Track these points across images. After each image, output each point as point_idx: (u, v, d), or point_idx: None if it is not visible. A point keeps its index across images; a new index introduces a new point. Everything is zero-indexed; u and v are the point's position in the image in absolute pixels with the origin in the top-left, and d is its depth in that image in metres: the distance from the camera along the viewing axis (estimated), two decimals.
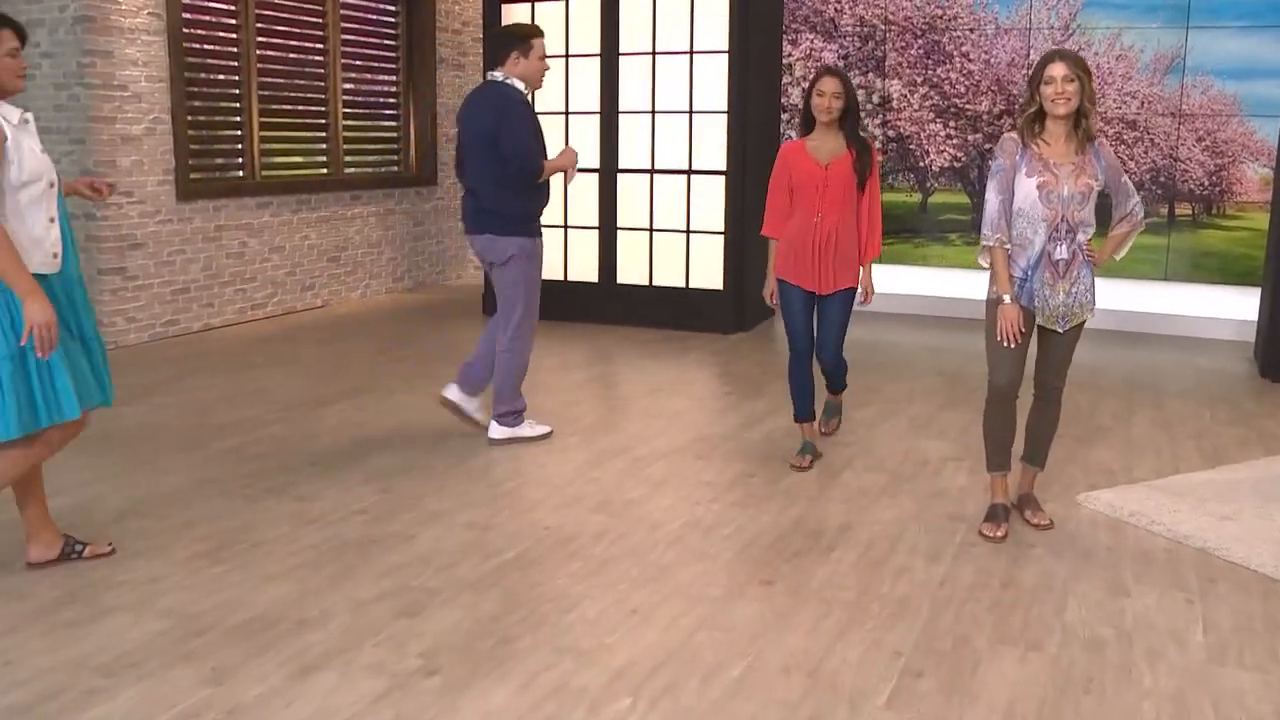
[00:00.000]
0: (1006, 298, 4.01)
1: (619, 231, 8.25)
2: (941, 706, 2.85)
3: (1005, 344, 4.01)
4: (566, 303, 8.28)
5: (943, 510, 4.32)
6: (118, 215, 7.23)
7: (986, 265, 4.17)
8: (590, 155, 8.21)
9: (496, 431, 5.13)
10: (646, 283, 8.21)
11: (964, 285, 8.86)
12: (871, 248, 4.85)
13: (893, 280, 9.04)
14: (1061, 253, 4.00)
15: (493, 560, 3.76)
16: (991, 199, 4.05)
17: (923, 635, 3.25)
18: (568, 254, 8.43)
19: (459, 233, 10.44)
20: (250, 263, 8.22)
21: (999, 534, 4.06)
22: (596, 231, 8.32)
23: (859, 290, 4.85)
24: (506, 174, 4.85)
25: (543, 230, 5.21)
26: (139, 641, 3.14)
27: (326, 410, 5.66)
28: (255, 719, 2.74)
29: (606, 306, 8.29)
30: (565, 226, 8.40)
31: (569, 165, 5.08)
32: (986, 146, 9.09)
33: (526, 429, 5.20)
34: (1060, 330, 4.08)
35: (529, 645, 3.13)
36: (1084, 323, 4.14)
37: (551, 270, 8.54)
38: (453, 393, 5.20)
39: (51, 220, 3.37)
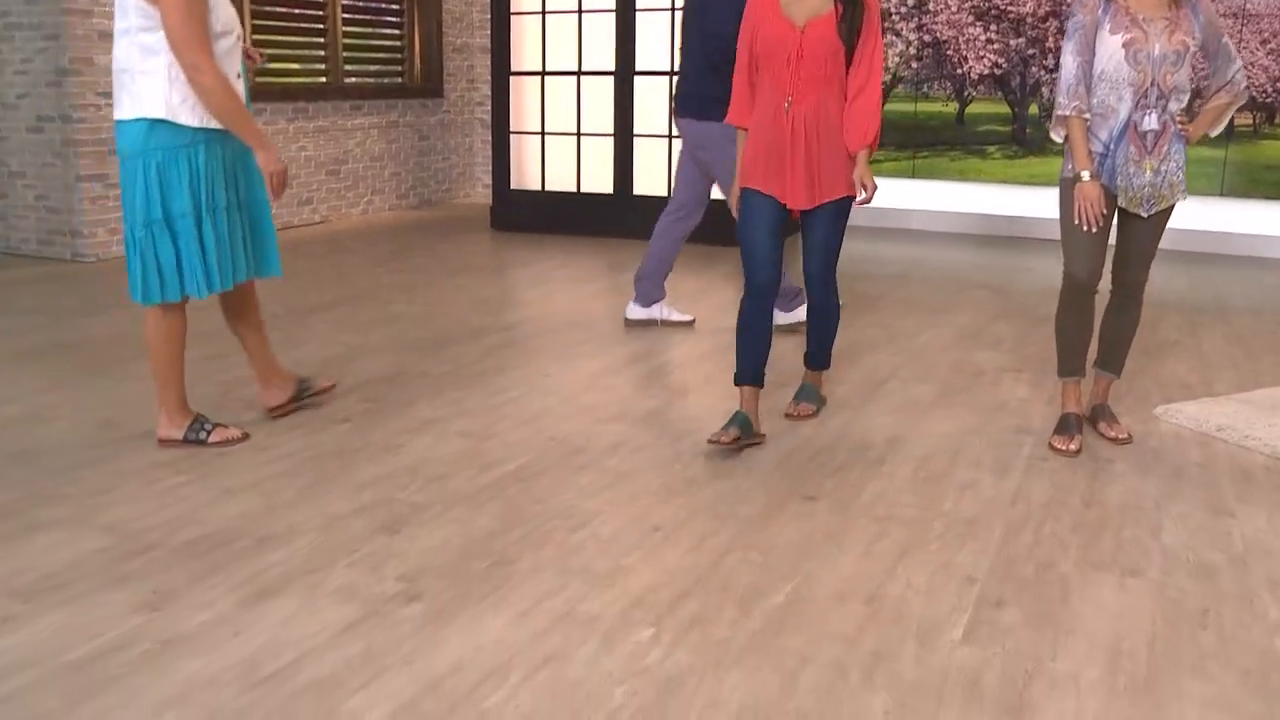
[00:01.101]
0: (1085, 175, 3.44)
1: (635, 139, 7.65)
2: (1031, 641, 2.34)
3: (1085, 228, 3.45)
4: (579, 216, 7.72)
5: (1005, 423, 3.79)
6: (96, 117, 6.68)
7: (1061, 139, 3.60)
8: (605, 56, 7.60)
9: (634, 311, 5.11)
10: (666, 194, 7.63)
11: (1004, 201, 8.25)
12: (862, 130, 3.43)
13: (927, 196, 8.44)
14: (1150, 123, 3.43)
15: (490, 472, 3.25)
16: (1068, 62, 3.46)
17: (998, 559, 2.73)
18: (581, 164, 7.85)
19: (466, 149, 9.86)
20: None
21: (1072, 447, 3.53)
22: (611, 139, 7.72)
23: (855, 190, 3.51)
24: (709, 53, 4.62)
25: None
26: (69, 561, 2.65)
27: (315, 318, 5.15)
28: (194, 651, 2.25)
29: (623, 219, 7.72)
30: (578, 134, 7.81)
31: None
32: (1030, 52, 8.42)
33: (662, 310, 5.10)
34: (1144, 215, 3.51)
35: (530, 567, 2.63)
36: (1172, 208, 3.57)
37: (563, 181, 7.97)
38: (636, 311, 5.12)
39: (238, 76, 3.27)
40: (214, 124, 3.20)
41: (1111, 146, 3.46)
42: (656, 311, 5.09)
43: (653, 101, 7.53)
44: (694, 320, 5.14)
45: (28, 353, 4.50)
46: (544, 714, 2.04)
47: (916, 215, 8.48)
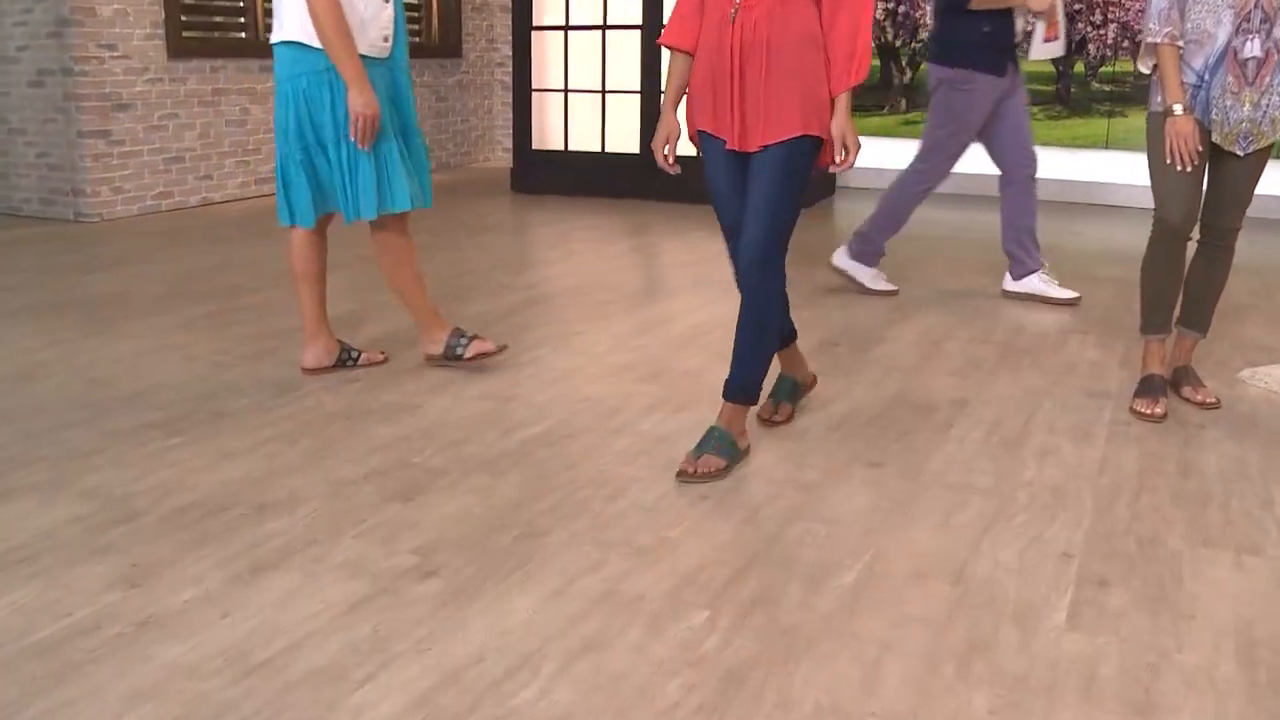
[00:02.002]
0: (1178, 108, 3.07)
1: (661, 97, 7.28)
2: (1148, 628, 2.00)
3: (1179, 167, 3.09)
4: (604, 178, 7.36)
5: (1077, 386, 3.44)
6: (99, 71, 6.36)
7: (1149, 70, 3.23)
8: (632, 9, 7.23)
9: (1008, 284, 4.68)
10: (695, 154, 7.26)
11: (1047, 164, 7.81)
12: (845, 62, 2.57)
13: (965, 159, 8.02)
14: (1252, 50, 3.06)
15: (515, 435, 2.93)
16: None
17: (1094, 533, 2.40)
18: (605, 123, 7.49)
19: (485, 111, 9.51)
20: (254, 132, 7.35)
21: (1158, 410, 3.18)
22: (638, 97, 7.35)
23: (832, 148, 2.62)
24: None
25: (993, 69, 4.35)
26: (40, 530, 2.35)
27: (328, 276, 4.81)
28: (175, 635, 1.94)
29: (649, 182, 7.35)
30: (603, 92, 7.45)
31: (1034, 5, 4.24)
32: (1075, 7, 7.99)
33: (862, 270, 4.64)
34: (1240, 153, 3.15)
35: (563, 540, 2.31)
36: (1271, 147, 3.20)
37: (588, 141, 7.61)
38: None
39: (385, 39, 3.18)
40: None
41: (1206, 76, 3.10)
42: (1034, 284, 4.58)
43: None
44: (1078, 298, 4.56)
45: (21, 310, 4.20)
46: (584, 712, 1.72)
47: (955, 179, 8.06)
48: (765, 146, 2.57)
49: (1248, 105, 3.10)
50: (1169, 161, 3.10)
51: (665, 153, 2.71)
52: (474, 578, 2.14)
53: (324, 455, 2.77)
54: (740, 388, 2.72)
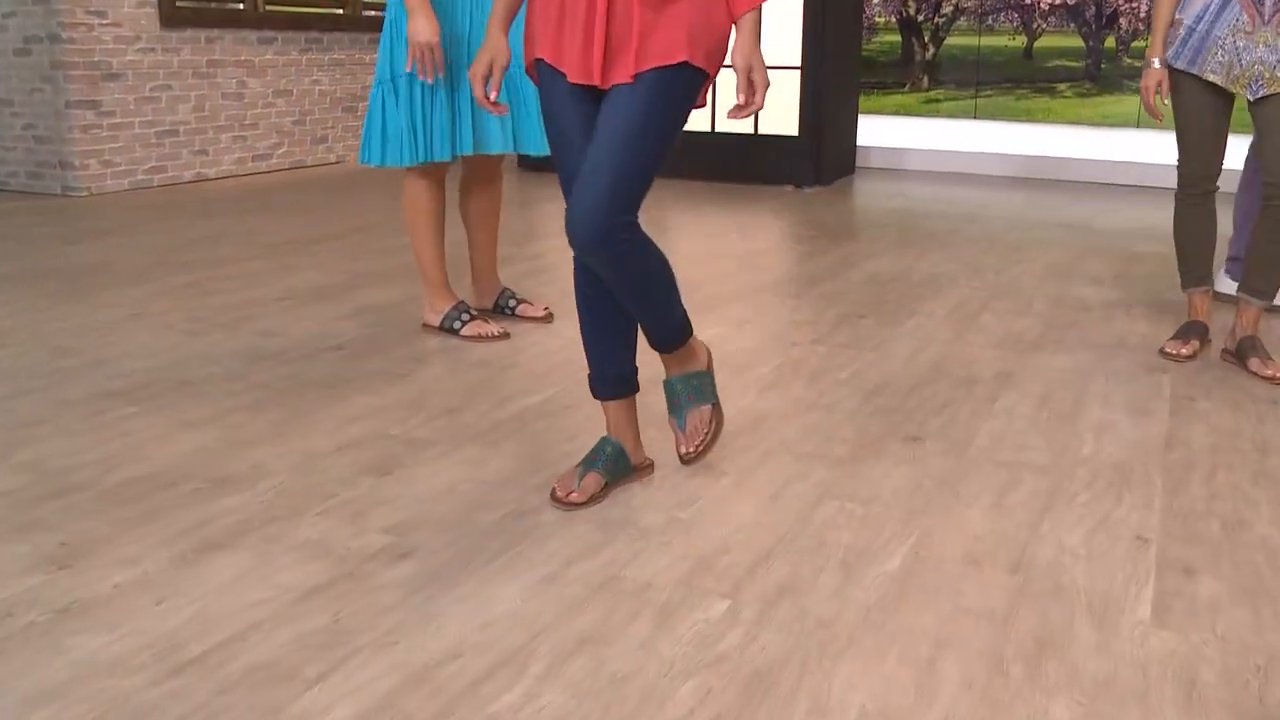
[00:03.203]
0: (1155, 62, 2.90)
1: None
2: (1249, 624, 1.69)
3: (1191, 122, 2.91)
4: None
5: (1130, 360, 3.12)
6: (87, 38, 6.07)
7: None
8: None
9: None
10: (708, 129, 6.95)
11: (1076, 143, 7.50)
12: None
13: (991, 138, 7.70)
14: None
15: (511, 405, 2.63)
16: None
17: (1170, 514, 2.08)
18: None
19: None
20: (251, 106, 7.06)
21: (1183, 350, 3.09)
22: None
23: (737, 94, 1.95)
24: None
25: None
26: None
27: (319, 247, 4.54)
28: (99, 624, 1.64)
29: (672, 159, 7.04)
30: None
31: None
32: None
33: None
34: (1250, 98, 2.89)
35: (558, 519, 2.00)
36: None
37: None
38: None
39: None
40: None
41: (1210, 16, 2.86)
42: None
43: None
44: None
45: None
46: None
47: (978, 159, 7.74)
48: (636, 76, 1.90)
49: (1262, 46, 2.83)
50: (1176, 115, 2.91)
51: (486, 88, 2.05)
52: (454, 561, 1.84)
53: (294, 426, 2.48)
54: (663, 341, 2.12)
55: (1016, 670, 1.54)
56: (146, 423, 2.50)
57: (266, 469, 2.23)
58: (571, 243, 1.93)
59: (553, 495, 2.06)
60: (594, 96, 1.99)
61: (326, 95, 7.62)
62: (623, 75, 1.91)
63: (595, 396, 2.15)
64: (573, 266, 2.00)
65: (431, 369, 2.91)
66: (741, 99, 1.93)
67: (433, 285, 3.23)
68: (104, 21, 6.15)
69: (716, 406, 2.21)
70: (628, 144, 1.88)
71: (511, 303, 3.40)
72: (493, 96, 2.05)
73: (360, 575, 1.78)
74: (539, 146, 3.17)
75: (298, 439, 2.39)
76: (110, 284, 3.85)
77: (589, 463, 2.10)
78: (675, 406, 2.19)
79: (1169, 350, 3.12)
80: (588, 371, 2.14)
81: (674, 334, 2.11)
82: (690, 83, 1.94)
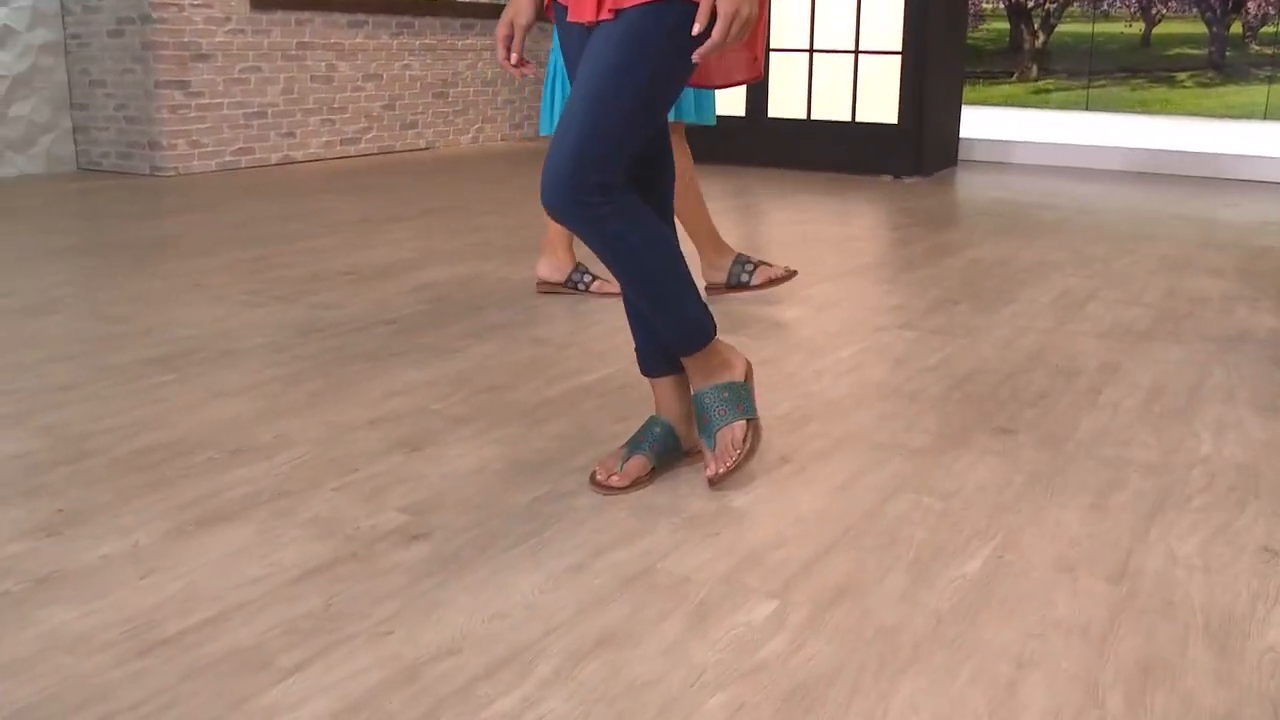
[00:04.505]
0: None
1: (770, 54, 6.72)
2: None
3: None
4: (706, 141, 6.83)
5: (1255, 354, 2.80)
6: (178, 19, 6.08)
7: None
8: None
9: None
10: (804, 116, 6.69)
11: (1197, 136, 7.03)
12: None
13: (1104, 131, 7.27)
14: None
15: (562, 383, 2.43)
16: None
17: None
18: None
19: None
20: (340, 90, 7.02)
21: None
22: None
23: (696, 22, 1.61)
24: None
25: None
26: None
27: (393, 226, 4.41)
28: (76, 595, 1.48)
29: (755, 146, 6.81)
30: None
31: None
32: None
33: None
34: None
35: (594, 504, 1.80)
36: None
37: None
38: None
39: None
40: None
41: None
42: None
43: (792, 9, 6.58)
44: None
45: (61, 251, 3.88)
46: None
47: (1090, 153, 7.31)
48: (616, 12, 1.65)
49: None
50: None
51: (509, 48, 1.80)
52: (472, 544, 1.64)
53: (331, 398, 2.32)
54: (675, 341, 1.83)
55: (1114, 700, 1.28)
56: (180, 390, 2.36)
57: (290, 440, 2.07)
58: (546, 177, 1.67)
59: (592, 478, 1.86)
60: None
61: (417, 80, 7.55)
62: (603, 11, 1.66)
63: (643, 373, 1.94)
64: None
65: (485, 345, 2.73)
66: (696, 28, 1.59)
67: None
68: (195, 3, 6.15)
69: (753, 422, 1.88)
70: (603, 92, 1.63)
71: (586, 278, 3.23)
72: (514, 58, 1.79)
73: (366, 556, 1.60)
74: (698, 114, 2.99)
75: (330, 411, 2.23)
76: (174, 257, 3.77)
77: (635, 444, 1.89)
78: (704, 424, 1.87)
79: None
80: (634, 346, 1.91)
81: (687, 333, 1.81)
82: (672, 19, 1.63)
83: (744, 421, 1.86)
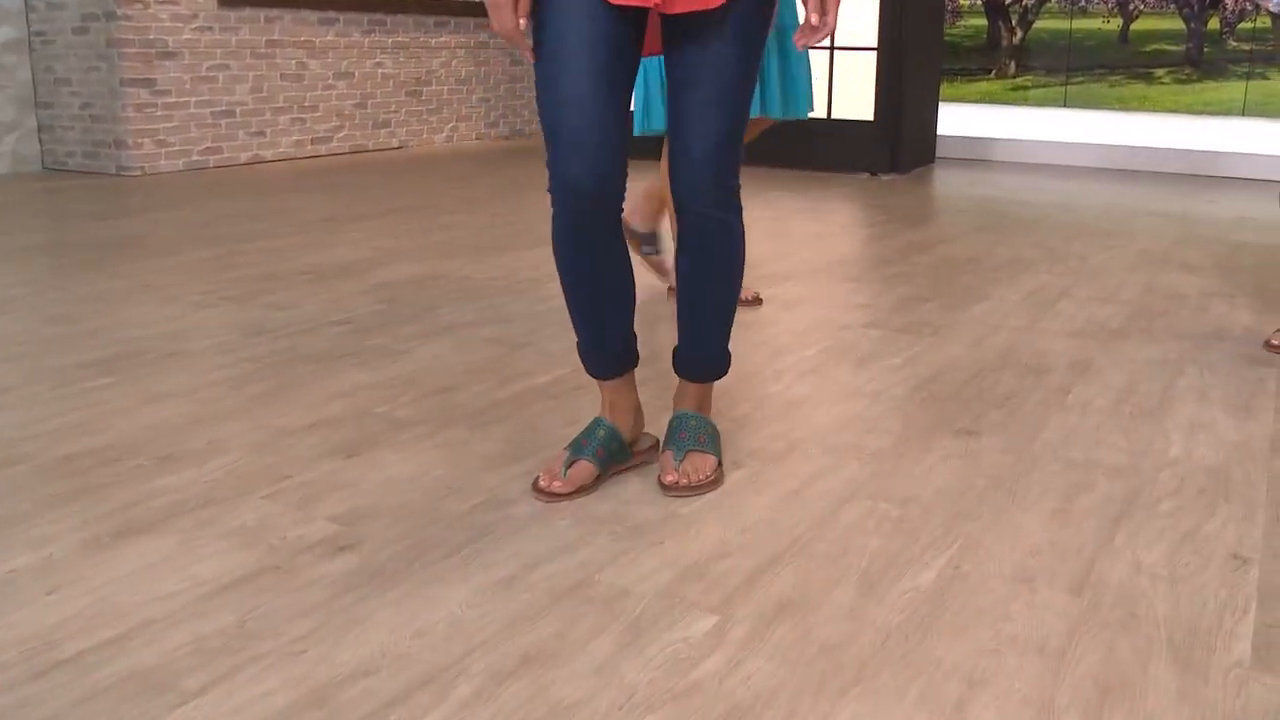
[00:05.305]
0: None
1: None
2: None
3: None
4: None
5: (1230, 352, 2.74)
6: (143, 16, 5.97)
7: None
8: None
9: None
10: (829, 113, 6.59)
11: (1174, 133, 6.98)
12: None
13: (1081, 128, 7.22)
14: None
15: (512, 385, 2.35)
16: None
17: (1276, 530, 1.72)
18: None
19: None
20: (310, 88, 6.91)
21: None
22: None
23: (807, 13, 1.59)
24: None
25: None
26: None
27: (356, 225, 4.32)
28: None
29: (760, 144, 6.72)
30: None
31: None
32: None
33: None
34: None
35: (534, 512, 1.71)
36: None
37: None
38: None
39: None
40: None
41: None
42: None
43: None
44: None
45: (15, 251, 3.78)
46: None
47: (1068, 150, 7.27)
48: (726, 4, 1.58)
49: None
50: None
51: (519, 23, 1.58)
52: (400, 556, 1.56)
53: (271, 402, 2.23)
54: (717, 353, 1.85)
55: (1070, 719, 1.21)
56: (117, 394, 2.27)
57: (223, 446, 1.98)
58: (676, 187, 1.68)
59: (534, 485, 1.78)
60: (623, 19, 1.59)
61: (390, 79, 7.46)
62: (703, 0, 1.57)
63: (595, 374, 1.85)
64: (556, 223, 1.68)
65: (436, 346, 2.65)
66: (814, 18, 1.57)
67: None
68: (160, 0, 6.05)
69: (722, 467, 1.85)
70: (733, 92, 1.63)
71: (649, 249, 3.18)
72: (522, 25, 1.58)
73: (290, 569, 1.51)
74: (786, 108, 2.88)
75: (270, 415, 2.15)
76: (131, 257, 3.68)
77: (578, 448, 1.80)
78: (679, 440, 1.81)
79: (1276, 343, 2.74)
80: (579, 346, 1.83)
81: (724, 353, 1.86)
82: (762, 22, 1.65)
83: (716, 460, 1.83)
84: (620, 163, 1.61)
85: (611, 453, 1.81)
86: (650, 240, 3.14)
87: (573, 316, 1.80)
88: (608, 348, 1.80)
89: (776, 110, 2.89)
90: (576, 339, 1.84)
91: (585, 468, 1.78)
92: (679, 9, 1.58)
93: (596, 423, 1.83)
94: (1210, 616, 1.44)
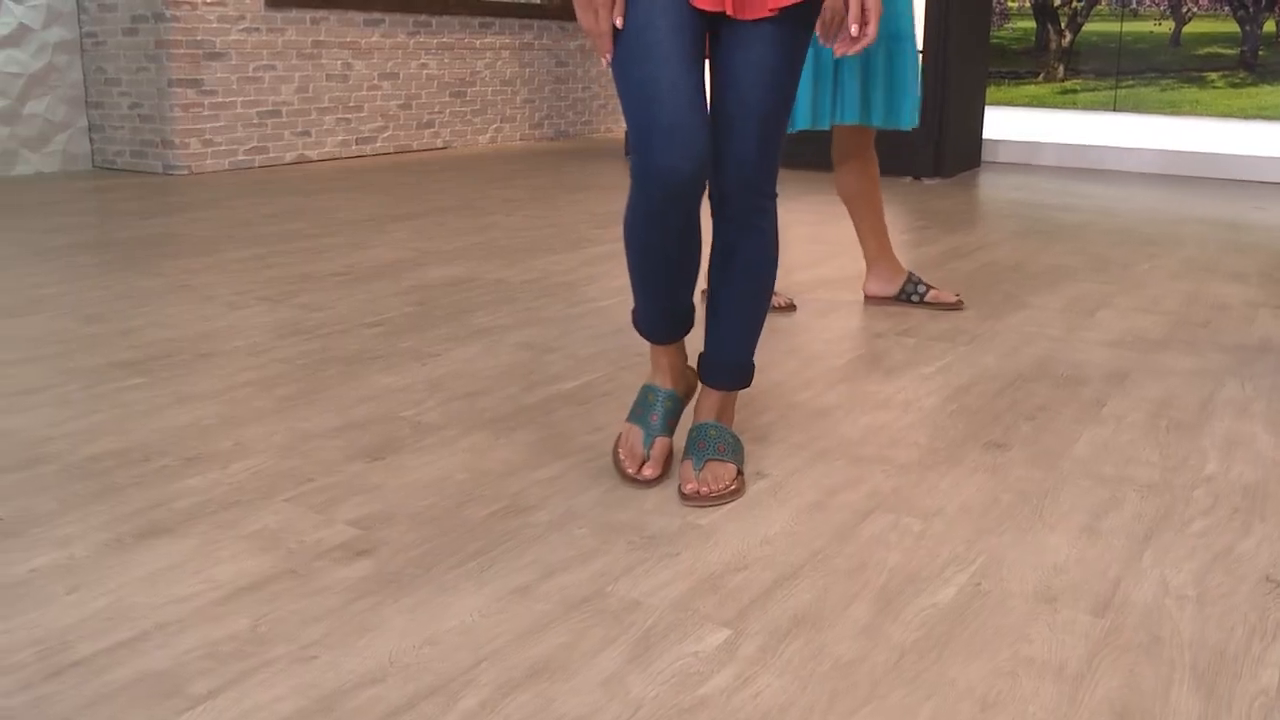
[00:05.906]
0: None
1: None
2: None
3: None
4: None
5: (1275, 364, 2.68)
6: (191, 17, 6.05)
7: None
8: None
9: None
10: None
11: (1227, 138, 6.85)
12: None
13: (1131, 132, 7.11)
14: None
15: (540, 390, 2.35)
16: None
17: None
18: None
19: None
20: (356, 89, 6.97)
21: None
22: None
23: (849, 21, 1.62)
24: None
25: None
26: None
27: (395, 226, 4.35)
28: None
29: (826, 152, 6.68)
30: None
31: None
32: None
33: None
34: None
35: (553, 518, 1.71)
36: None
37: None
38: None
39: None
40: None
41: None
42: None
43: None
44: None
45: (55, 249, 3.83)
46: None
47: (1117, 154, 7.16)
48: (781, 10, 1.62)
49: None
50: None
51: (616, 22, 1.61)
52: (417, 562, 1.56)
53: (299, 404, 2.24)
54: (736, 376, 1.87)
55: None
56: (146, 395, 2.30)
57: (249, 448, 1.99)
58: (719, 184, 1.72)
59: (621, 472, 1.82)
60: (700, 15, 1.63)
61: (434, 79, 7.50)
62: (760, 8, 1.62)
63: (655, 340, 1.86)
64: (637, 211, 1.68)
65: (467, 349, 2.65)
66: (854, 29, 1.60)
67: (875, 256, 3.10)
68: (209, 1, 6.12)
69: (742, 475, 1.84)
70: (780, 100, 1.67)
71: (920, 288, 3.11)
72: (618, 23, 1.60)
73: (306, 573, 1.52)
74: (906, 120, 2.88)
75: (297, 417, 2.16)
76: (169, 255, 3.72)
77: (649, 426, 1.85)
78: (698, 450, 1.81)
79: None
80: (636, 313, 1.83)
81: (750, 362, 1.88)
82: (808, 24, 1.69)
83: (736, 469, 1.82)
84: (710, 148, 1.64)
85: (676, 419, 1.90)
86: (911, 284, 3.13)
87: (635, 286, 1.81)
88: (675, 314, 1.83)
89: (879, 119, 2.87)
90: (634, 305, 1.85)
91: (666, 444, 1.84)
92: (749, 16, 1.62)
93: (654, 392, 1.88)
94: (1238, 642, 1.40)
